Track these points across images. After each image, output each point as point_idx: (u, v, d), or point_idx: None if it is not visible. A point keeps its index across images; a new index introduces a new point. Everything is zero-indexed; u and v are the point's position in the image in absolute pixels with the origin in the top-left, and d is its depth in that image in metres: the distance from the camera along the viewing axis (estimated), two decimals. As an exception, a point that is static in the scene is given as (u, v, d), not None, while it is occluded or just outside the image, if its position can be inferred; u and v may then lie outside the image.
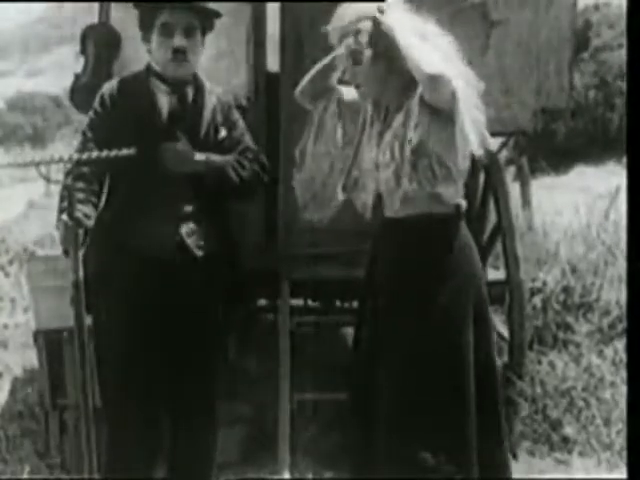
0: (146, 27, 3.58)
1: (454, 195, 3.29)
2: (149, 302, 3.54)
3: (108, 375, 3.61)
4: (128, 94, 3.63)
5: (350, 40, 3.24)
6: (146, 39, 3.61)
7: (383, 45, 3.21)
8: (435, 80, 3.08)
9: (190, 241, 3.57)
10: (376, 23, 3.20)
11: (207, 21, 3.62)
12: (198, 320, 3.63)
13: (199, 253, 3.58)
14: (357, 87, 3.34)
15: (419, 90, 3.18)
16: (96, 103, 3.65)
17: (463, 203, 3.34)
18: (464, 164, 3.27)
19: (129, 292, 3.55)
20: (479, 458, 3.24)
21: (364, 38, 3.22)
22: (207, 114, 3.66)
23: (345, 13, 3.26)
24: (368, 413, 3.33)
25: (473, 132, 3.18)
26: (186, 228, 3.58)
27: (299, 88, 3.48)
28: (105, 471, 3.64)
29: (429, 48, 3.14)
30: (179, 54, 3.54)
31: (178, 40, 3.53)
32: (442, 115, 3.17)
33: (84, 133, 3.67)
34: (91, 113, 3.68)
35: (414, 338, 3.22)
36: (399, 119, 3.26)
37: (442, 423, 3.19)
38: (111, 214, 3.59)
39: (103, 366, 3.65)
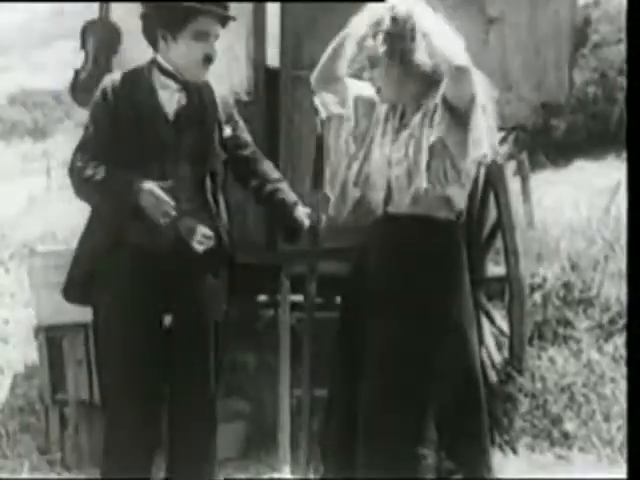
0: (174, 28, 3.54)
1: (461, 200, 3.32)
2: (147, 299, 3.54)
3: (107, 372, 3.61)
4: (129, 88, 3.61)
5: (367, 43, 3.25)
6: (167, 38, 3.56)
7: (398, 46, 3.21)
8: (461, 71, 3.09)
9: (189, 237, 3.57)
10: (393, 18, 3.20)
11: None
12: (198, 316, 3.63)
13: (199, 249, 3.58)
14: (377, 91, 3.35)
15: (441, 89, 3.19)
16: (97, 96, 3.63)
17: (464, 211, 3.37)
18: (472, 169, 3.29)
19: (127, 288, 3.55)
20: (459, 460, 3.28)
21: (380, 42, 3.23)
22: (212, 112, 3.66)
23: (362, 19, 3.27)
24: (349, 408, 3.35)
25: (486, 139, 3.20)
26: (185, 224, 3.57)
27: (313, 75, 3.50)
28: (104, 469, 3.64)
29: (453, 38, 3.15)
30: (208, 61, 3.57)
31: (210, 47, 3.56)
32: (460, 116, 3.19)
33: (86, 127, 3.66)
34: (92, 107, 3.67)
35: (390, 335, 3.27)
36: (417, 119, 3.28)
37: (402, 422, 3.22)
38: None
39: (102, 363, 3.64)
